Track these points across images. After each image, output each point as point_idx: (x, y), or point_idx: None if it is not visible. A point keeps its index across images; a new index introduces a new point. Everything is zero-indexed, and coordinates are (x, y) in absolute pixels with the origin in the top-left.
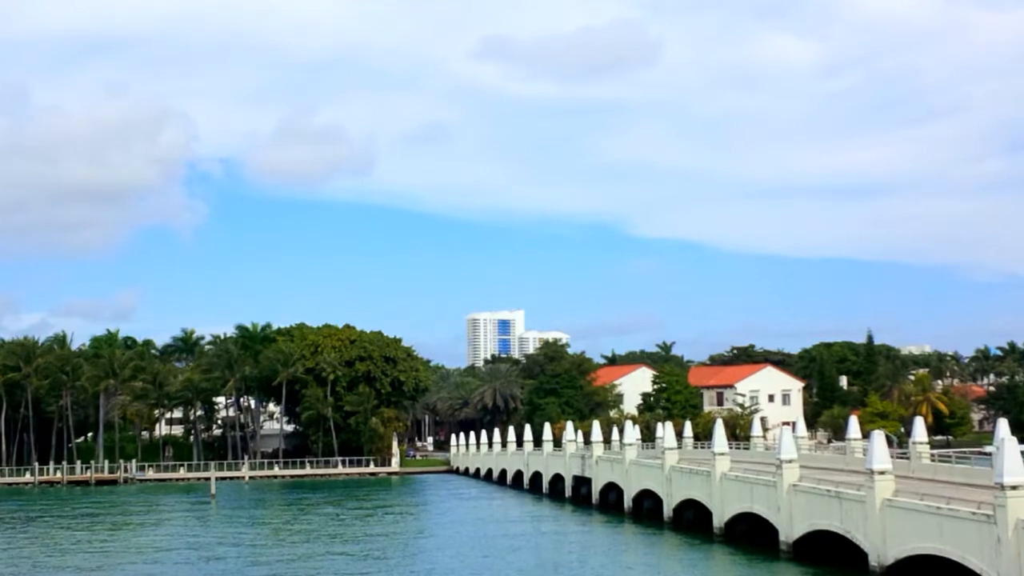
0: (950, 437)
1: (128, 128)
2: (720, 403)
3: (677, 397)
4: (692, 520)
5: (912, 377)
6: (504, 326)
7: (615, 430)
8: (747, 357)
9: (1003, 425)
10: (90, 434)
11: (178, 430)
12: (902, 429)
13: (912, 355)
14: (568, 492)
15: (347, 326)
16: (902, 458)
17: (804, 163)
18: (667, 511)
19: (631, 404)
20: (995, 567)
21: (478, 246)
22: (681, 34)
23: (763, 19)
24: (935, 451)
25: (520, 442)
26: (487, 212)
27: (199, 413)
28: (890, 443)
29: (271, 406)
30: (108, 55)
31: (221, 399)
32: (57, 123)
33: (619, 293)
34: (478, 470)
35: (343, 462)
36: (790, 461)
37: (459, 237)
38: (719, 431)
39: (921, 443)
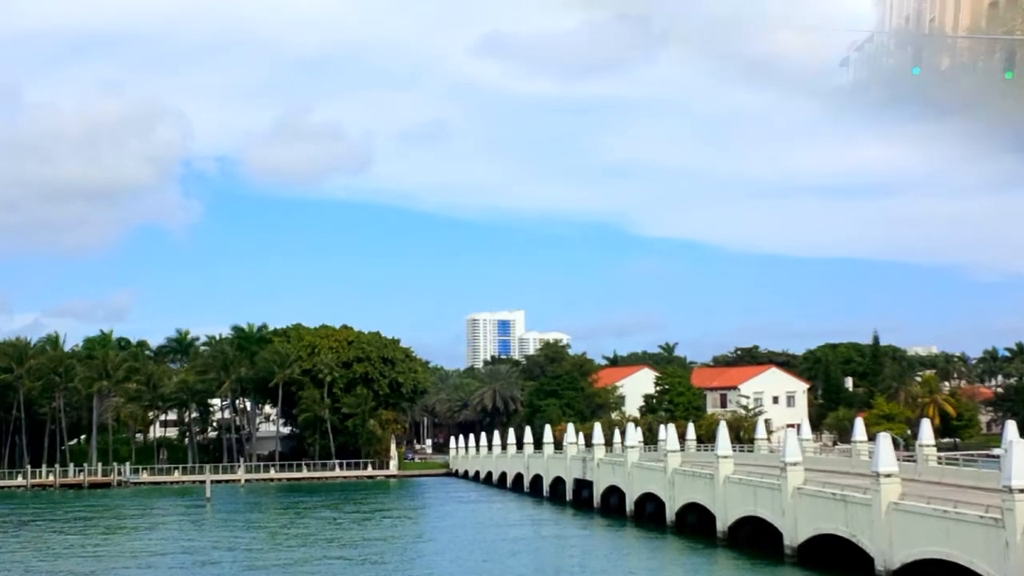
0: (957, 439)
1: (122, 126)
2: (723, 405)
3: (680, 399)
4: (695, 524)
5: (919, 378)
6: (504, 327)
7: (617, 432)
8: (751, 358)
9: (1011, 427)
10: (83, 436)
11: (172, 432)
12: (908, 431)
13: (919, 356)
14: (569, 495)
15: (344, 327)
16: (908, 461)
17: (807, 162)
18: (670, 515)
19: (633, 406)
20: (1003, 571)
21: (478, 246)
22: (683, 30)
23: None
24: (942, 454)
25: (520, 444)
26: (487, 212)
27: (194, 415)
28: (896, 445)
29: (267, 408)
30: (102, 52)
31: (216, 401)
32: (50, 121)
33: (620, 293)
34: (477, 473)
35: (340, 465)
36: (795, 464)
37: (459, 237)
38: (722, 433)
39: (928, 445)
